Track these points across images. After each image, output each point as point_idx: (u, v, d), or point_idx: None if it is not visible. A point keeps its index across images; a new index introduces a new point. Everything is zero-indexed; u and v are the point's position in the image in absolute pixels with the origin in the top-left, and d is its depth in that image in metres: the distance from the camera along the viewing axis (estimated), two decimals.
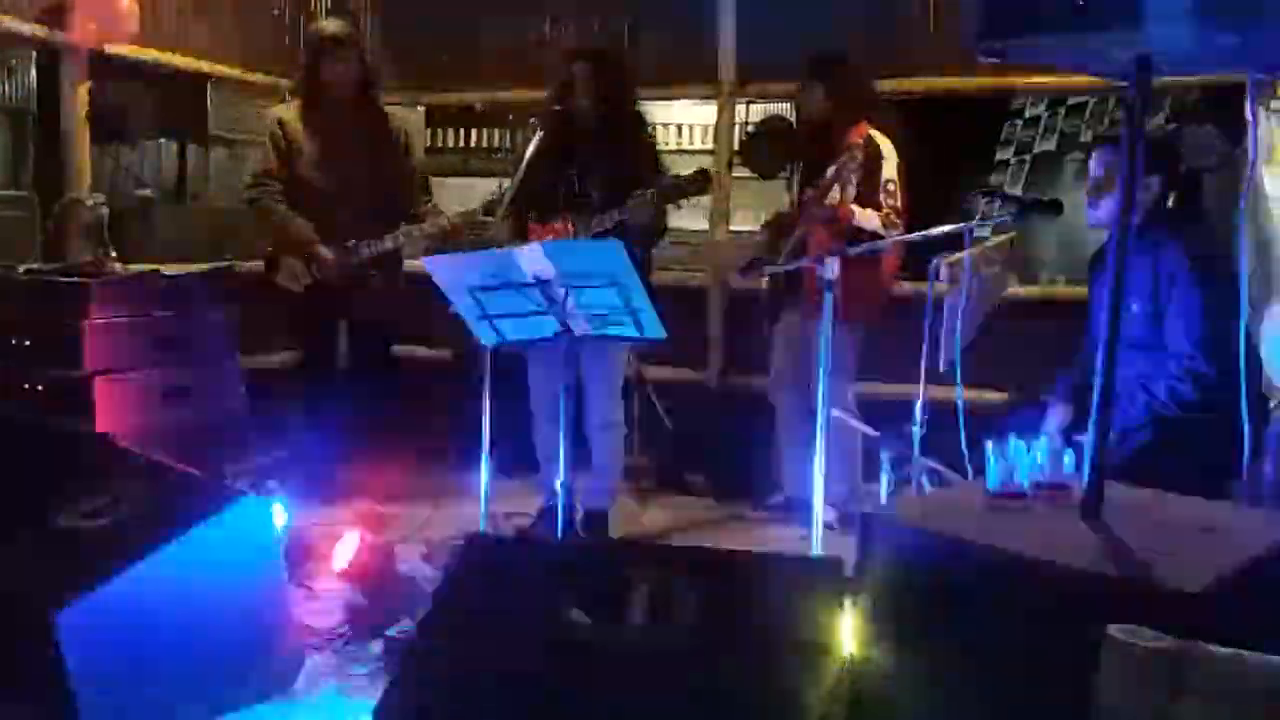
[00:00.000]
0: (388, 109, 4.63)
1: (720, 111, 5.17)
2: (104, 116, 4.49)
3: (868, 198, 3.98)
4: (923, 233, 3.56)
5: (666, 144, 5.31)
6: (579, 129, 3.94)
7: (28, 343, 3.56)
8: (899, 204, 4.05)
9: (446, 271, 3.30)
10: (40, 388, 3.53)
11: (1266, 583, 1.85)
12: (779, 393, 4.45)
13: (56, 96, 4.34)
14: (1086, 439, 2.03)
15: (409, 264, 4.47)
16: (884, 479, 3.85)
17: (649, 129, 4.13)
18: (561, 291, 3.17)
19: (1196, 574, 1.71)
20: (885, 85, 4.66)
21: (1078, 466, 2.16)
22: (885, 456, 3.84)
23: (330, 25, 4.43)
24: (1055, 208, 3.54)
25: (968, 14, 2.03)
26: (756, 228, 4.65)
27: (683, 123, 5.66)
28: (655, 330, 3.30)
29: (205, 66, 5.00)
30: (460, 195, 4.84)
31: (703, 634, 1.96)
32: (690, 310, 5.07)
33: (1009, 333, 3.85)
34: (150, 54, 4.67)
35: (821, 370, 3.27)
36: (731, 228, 5.14)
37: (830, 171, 3.88)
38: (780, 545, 4.02)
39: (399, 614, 2.99)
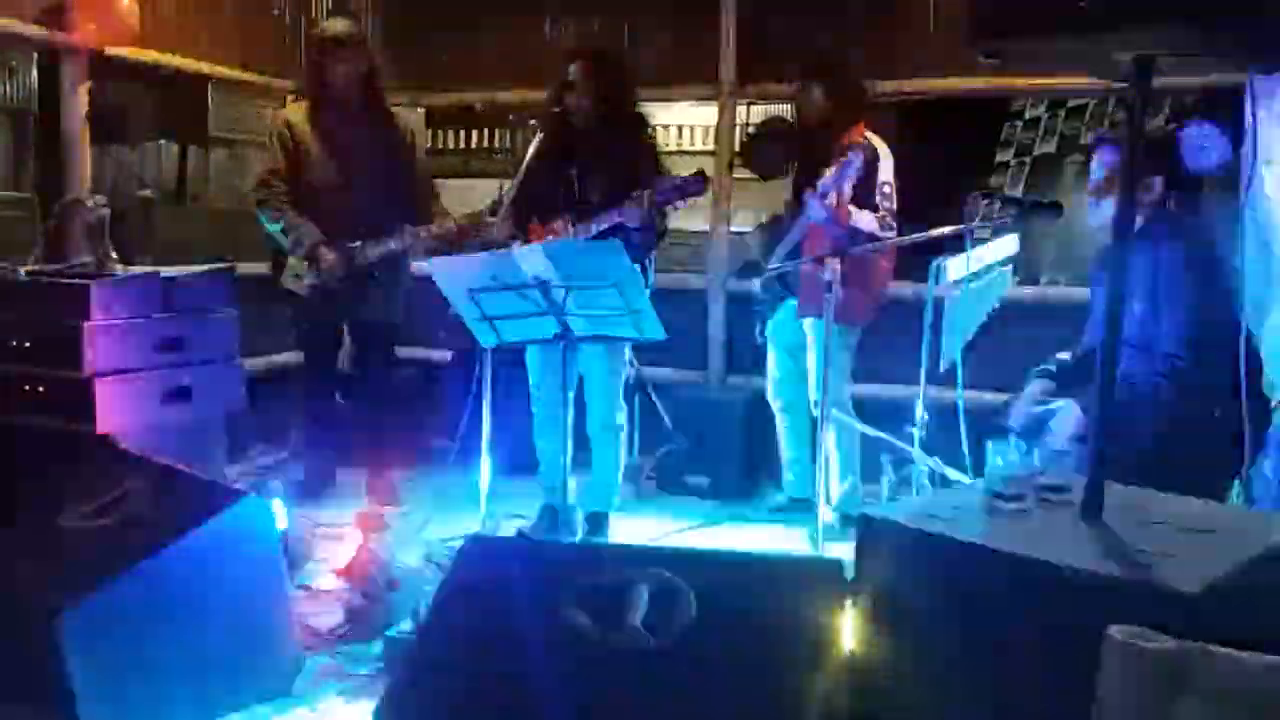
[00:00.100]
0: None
1: (721, 112, 5.17)
2: (104, 117, 4.49)
3: (864, 200, 3.99)
4: (923, 234, 3.57)
5: (667, 145, 5.31)
6: (578, 130, 3.93)
7: (28, 344, 3.55)
8: (895, 206, 4.06)
9: (446, 273, 3.30)
10: (41, 388, 3.53)
11: (1266, 583, 1.85)
12: (777, 394, 4.45)
13: (57, 97, 4.35)
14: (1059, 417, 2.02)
15: (413, 265, 4.49)
16: (884, 479, 3.86)
17: (650, 129, 4.12)
18: (562, 293, 3.17)
19: (1196, 574, 1.71)
20: (886, 86, 4.67)
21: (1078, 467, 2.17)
22: (885, 457, 3.85)
23: (337, 25, 4.42)
24: (1055, 209, 3.54)
25: (967, 15, 2.02)
26: (752, 229, 4.65)
27: (683, 124, 5.67)
28: (655, 331, 3.30)
29: (205, 67, 5.00)
30: (460, 196, 4.84)
31: (702, 635, 1.97)
32: (690, 310, 5.08)
33: (1009, 333, 3.85)
34: (150, 55, 4.67)
35: (821, 370, 3.28)
36: (732, 229, 5.15)
37: (832, 170, 3.89)
38: (780, 545, 4.03)
39: (399, 614, 2.99)
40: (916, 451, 3.48)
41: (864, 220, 3.96)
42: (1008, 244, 3.70)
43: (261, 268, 4.60)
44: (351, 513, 3.84)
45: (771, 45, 4.90)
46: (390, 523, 4.01)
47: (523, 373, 4.09)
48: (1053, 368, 3.38)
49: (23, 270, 3.84)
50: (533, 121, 4.23)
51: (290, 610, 2.85)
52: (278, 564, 2.76)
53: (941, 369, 3.51)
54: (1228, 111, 3.93)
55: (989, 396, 3.66)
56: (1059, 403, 3.23)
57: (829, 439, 3.75)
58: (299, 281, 4.32)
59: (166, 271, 4.01)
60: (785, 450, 4.49)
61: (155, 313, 3.75)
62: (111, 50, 4.39)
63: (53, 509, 2.68)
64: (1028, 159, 5.02)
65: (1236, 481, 2.97)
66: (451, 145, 5.82)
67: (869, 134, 4.11)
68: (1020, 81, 4.71)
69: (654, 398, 4.88)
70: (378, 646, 2.95)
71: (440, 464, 4.72)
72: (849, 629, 1.98)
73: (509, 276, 3.18)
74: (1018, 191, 5.01)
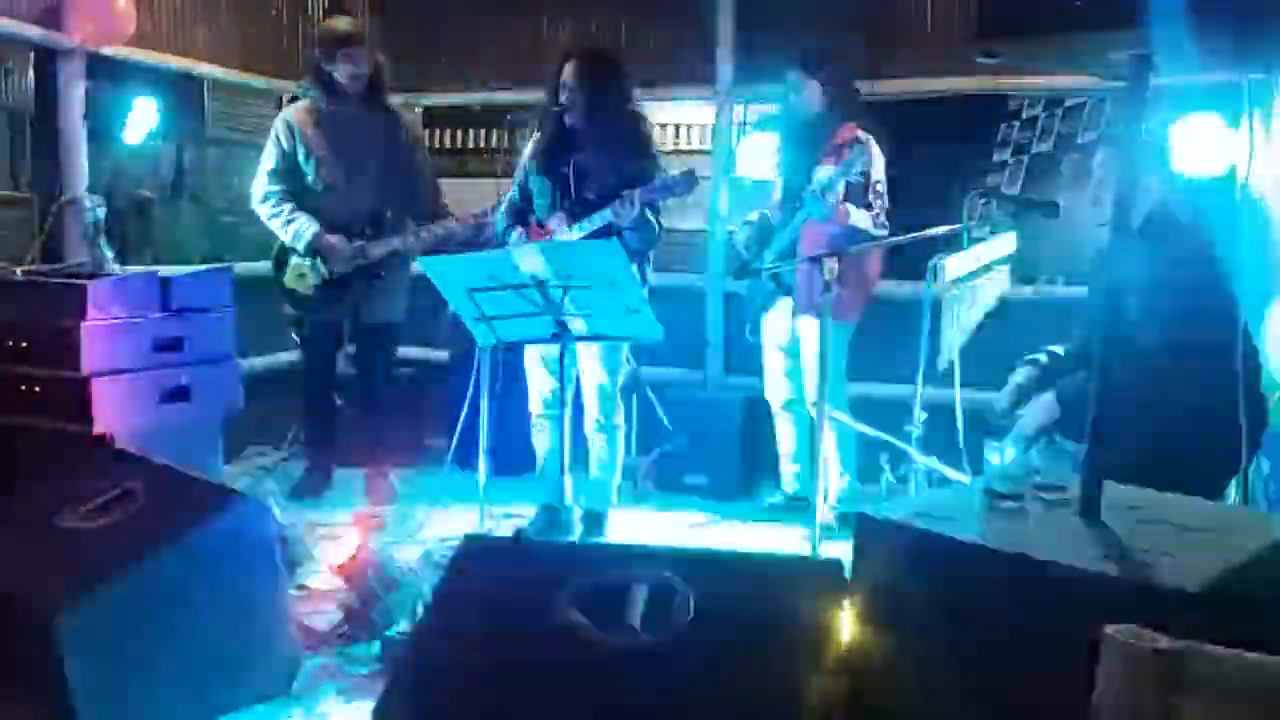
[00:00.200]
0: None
1: (718, 111, 5.17)
2: (102, 117, 4.49)
3: (857, 198, 4.01)
4: (920, 233, 3.57)
5: (664, 144, 5.30)
6: (574, 129, 3.93)
7: (25, 344, 3.55)
8: (887, 204, 4.08)
9: (444, 272, 3.30)
10: (38, 389, 3.53)
11: (1265, 582, 1.85)
12: (774, 394, 4.45)
13: (55, 97, 4.34)
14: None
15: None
16: (883, 479, 3.86)
17: (647, 128, 4.12)
18: (559, 292, 3.17)
19: (1196, 574, 1.71)
20: (883, 85, 4.67)
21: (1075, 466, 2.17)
22: (884, 457, 3.85)
23: (341, 23, 4.43)
24: (1052, 209, 3.54)
25: (965, 15, 2.02)
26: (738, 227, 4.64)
27: (680, 123, 5.66)
28: (653, 331, 3.30)
29: (203, 68, 5.00)
30: (458, 196, 4.84)
31: (700, 634, 1.96)
32: (688, 310, 5.08)
33: (1007, 333, 3.85)
34: (148, 55, 4.67)
35: (820, 370, 3.28)
36: (729, 228, 5.14)
37: (832, 169, 3.89)
38: (778, 545, 4.03)
39: (397, 614, 2.99)
40: (914, 451, 3.48)
41: (859, 219, 3.98)
42: (1005, 243, 3.69)
43: (260, 267, 4.60)
44: (349, 513, 3.85)
45: (769, 45, 4.90)
46: (388, 523, 4.02)
47: (521, 372, 4.09)
48: (1042, 357, 3.37)
49: (19, 270, 3.84)
50: (530, 120, 4.22)
51: (288, 610, 2.85)
52: (276, 564, 2.76)
53: (939, 368, 3.51)
54: (1228, 112, 3.94)
55: (987, 396, 3.65)
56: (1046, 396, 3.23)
57: (827, 438, 3.75)
58: (303, 281, 4.33)
59: (164, 271, 4.01)
60: (783, 449, 4.49)
61: (153, 313, 3.75)
62: (109, 50, 4.39)
63: (51, 509, 2.68)
64: (1025, 158, 5.01)
65: (1235, 481, 2.97)
66: (448, 145, 5.81)
67: (860, 132, 4.12)
68: (1017, 81, 4.71)
69: (652, 397, 4.88)
70: (376, 646, 2.95)
71: (438, 464, 4.72)
72: (847, 629, 1.97)
73: (506, 276, 3.18)
74: (1015, 190, 5.00)
